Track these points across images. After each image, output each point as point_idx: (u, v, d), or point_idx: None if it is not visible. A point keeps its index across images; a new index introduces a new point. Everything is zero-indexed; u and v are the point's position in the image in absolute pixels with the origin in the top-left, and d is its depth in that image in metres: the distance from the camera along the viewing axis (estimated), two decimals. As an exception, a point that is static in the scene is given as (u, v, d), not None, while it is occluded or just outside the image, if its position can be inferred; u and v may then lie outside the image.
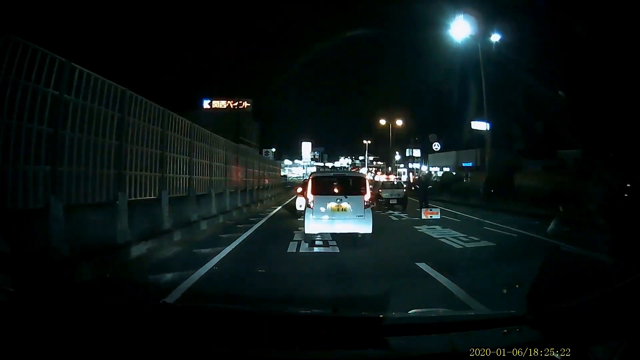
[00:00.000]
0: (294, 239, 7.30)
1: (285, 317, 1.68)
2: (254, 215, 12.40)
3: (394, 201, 14.74)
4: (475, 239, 7.35)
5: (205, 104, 51.44)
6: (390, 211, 13.81)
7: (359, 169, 63.78)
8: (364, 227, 6.70)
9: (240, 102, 51.27)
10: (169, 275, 4.59)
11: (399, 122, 41.88)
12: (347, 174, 8.44)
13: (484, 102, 18.70)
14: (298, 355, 1.28)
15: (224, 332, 1.37)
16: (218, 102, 52.10)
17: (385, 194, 14.90)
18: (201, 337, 1.31)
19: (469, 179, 26.85)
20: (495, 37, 17.97)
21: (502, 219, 10.68)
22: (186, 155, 8.93)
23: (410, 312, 1.75)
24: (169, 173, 7.93)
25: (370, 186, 16.59)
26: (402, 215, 12.64)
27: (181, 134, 8.64)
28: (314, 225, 6.74)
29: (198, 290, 3.95)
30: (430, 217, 10.95)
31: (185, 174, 8.90)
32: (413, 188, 14.94)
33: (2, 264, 2.11)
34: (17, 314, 1.39)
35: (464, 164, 42.15)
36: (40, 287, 2.57)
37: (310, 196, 6.88)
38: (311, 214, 6.75)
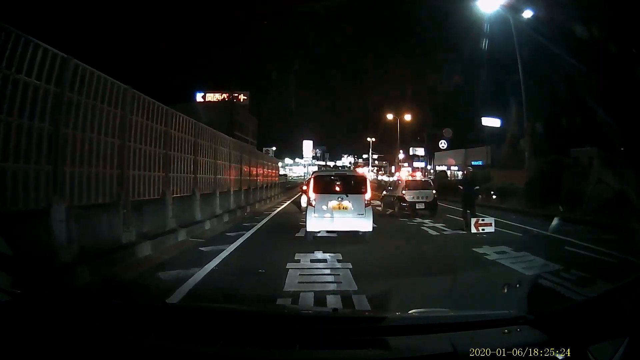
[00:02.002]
0: (287, 280, 4.36)
1: (285, 316, 1.71)
2: (236, 226, 9.21)
3: (421, 206, 11.74)
4: (586, 275, 4.70)
5: (199, 97, 47.91)
6: (419, 220, 10.88)
7: (361, 167, 61.37)
8: (365, 224, 6.96)
9: (236, 94, 47.61)
10: None
11: (406, 118, 39.20)
12: (348, 173, 8.59)
13: (521, 89, 15.62)
14: (298, 354, 1.28)
15: (224, 331, 1.36)
16: (212, 95, 48.48)
17: (409, 197, 11.84)
18: (201, 336, 1.30)
19: None
20: (528, 14, 14.94)
21: (570, 231, 8.27)
22: (113, 138, 5.64)
23: (410, 312, 1.71)
24: (69, 166, 4.76)
25: (390, 187, 14.24)
26: (439, 226, 9.56)
27: (99, 101, 5.34)
28: (315, 222, 6.96)
29: None
30: (483, 230, 8.09)
31: (110, 168, 5.61)
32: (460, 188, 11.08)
33: (3, 265, 1.93)
34: (17, 315, 1.36)
35: (473, 163, 40.20)
36: (42, 289, 2.41)
37: (312, 194, 7.06)
38: (313, 212, 6.93)
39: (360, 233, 6.93)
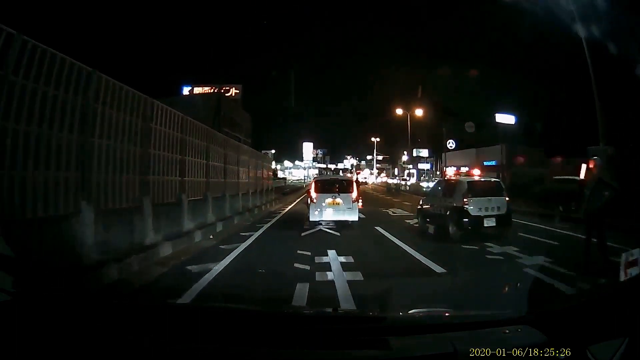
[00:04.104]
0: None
1: (285, 316, 1.83)
2: (177, 276, 5.46)
3: (491, 222, 8.14)
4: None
5: (186, 91, 48.15)
6: (496, 247, 7.27)
7: (360, 171, 62.93)
8: (352, 215, 10.11)
9: (227, 87, 47.48)
10: None
11: (417, 113, 39.35)
12: (340, 178, 13.16)
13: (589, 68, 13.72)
14: (298, 354, 1.36)
15: (224, 331, 1.46)
16: (201, 88, 48.66)
17: (474, 207, 8.20)
18: (201, 336, 1.39)
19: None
20: None
21: None
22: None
23: (410, 311, 1.82)
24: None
25: (431, 194, 11.06)
26: (549, 265, 5.86)
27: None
28: (316, 214, 10.02)
29: None
30: (630, 273, 3.41)
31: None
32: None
33: (5, 265, 2.12)
34: (16, 315, 1.46)
35: (485, 163, 40.84)
36: (47, 289, 2.65)
37: (313, 194, 10.22)
38: (314, 207, 10.07)
39: (350, 222, 10.03)
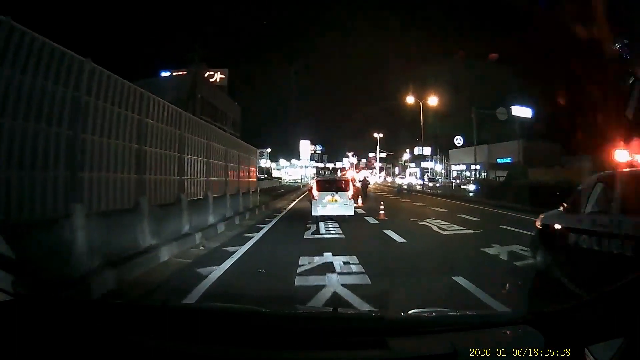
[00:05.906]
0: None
1: (284, 316, 1.94)
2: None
3: None
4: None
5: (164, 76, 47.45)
6: None
7: (359, 170, 64.51)
8: (348, 210, 12.93)
9: (210, 71, 45.70)
10: None
11: (426, 106, 39.05)
12: (337, 178, 16.86)
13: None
14: (297, 355, 1.48)
15: (224, 331, 1.57)
16: (181, 73, 47.86)
17: None
18: (201, 336, 1.51)
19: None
20: None
21: None
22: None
23: (410, 312, 1.92)
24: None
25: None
26: None
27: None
28: (318, 210, 12.68)
29: None
30: None
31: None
32: None
33: (5, 265, 2.21)
34: (17, 315, 1.57)
35: (498, 160, 41.31)
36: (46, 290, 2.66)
37: (315, 192, 12.97)
38: (316, 204, 12.77)
39: (347, 216, 12.71)
